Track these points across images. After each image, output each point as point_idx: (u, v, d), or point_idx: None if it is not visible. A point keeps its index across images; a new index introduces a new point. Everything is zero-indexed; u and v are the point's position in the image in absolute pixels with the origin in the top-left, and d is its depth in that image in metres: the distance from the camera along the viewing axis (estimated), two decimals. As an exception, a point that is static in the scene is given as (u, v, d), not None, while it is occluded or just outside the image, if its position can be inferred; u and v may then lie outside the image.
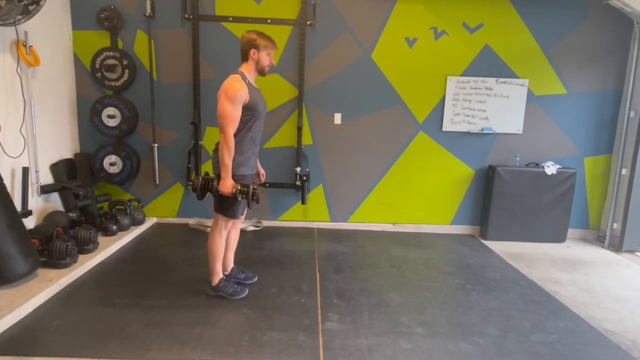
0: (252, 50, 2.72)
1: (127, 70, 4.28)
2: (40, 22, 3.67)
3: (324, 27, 4.35)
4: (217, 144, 2.72)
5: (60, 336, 2.41)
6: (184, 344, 2.37)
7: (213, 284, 2.93)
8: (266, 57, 2.75)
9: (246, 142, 2.73)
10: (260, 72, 2.79)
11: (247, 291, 3.00)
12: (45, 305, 2.74)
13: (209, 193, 2.77)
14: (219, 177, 2.70)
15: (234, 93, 2.59)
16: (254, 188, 2.67)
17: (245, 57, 2.76)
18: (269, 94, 4.36)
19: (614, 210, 4.52)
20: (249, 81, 2.71)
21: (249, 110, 2.68)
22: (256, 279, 3.21)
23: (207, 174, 2.87)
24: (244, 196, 2.66)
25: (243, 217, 3.02)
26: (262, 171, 3.10)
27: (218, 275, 2.93)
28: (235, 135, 2.66)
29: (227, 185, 2.64)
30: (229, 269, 3.11)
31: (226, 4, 4.29)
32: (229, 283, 2.97)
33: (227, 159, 2.61)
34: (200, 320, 2.63)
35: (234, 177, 2.68)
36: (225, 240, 2.94)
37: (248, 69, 2.76)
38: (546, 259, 4.09)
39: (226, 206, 2.77)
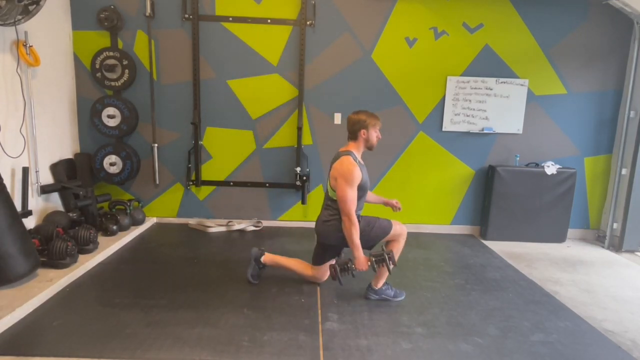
0: (362, 131, 2.84)
1: (127, 70, 4.28)
2: (40, 22, 3.67)
3: (324, 27, 4.35)
4: (325, 216, 2.92)
5: (60, 336, 2.41)
6: (184, 344, 2.37)
7: (376, 287, 3.01)
8: (374, 135, 2.88)
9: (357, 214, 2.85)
10: (370, 148, 2.93)
11: (403, 295, 3.08)
12: (45, 305, 2.74)
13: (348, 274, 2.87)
14: (338, 245, 2.91)
15: (352, 177, 2.73)
16: (387, 254, 2.77)
17: (354, 137, 2.88)
18: (269, 94, 4.40)
19: (614, 210, 4.52)
20: (360, 161, 2.85)
21: (360, 190, 2.81)
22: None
23: (336, 260, 2.99)
24: (382, 264, 2.78)
25: None
26: (393, 202, 3.25)
27: (382, 281, 3.00)
28: None
29: (362, 262, 2.77)
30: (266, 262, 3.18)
31: (226, 4, 4.29)
32: (389, 286, 3.04)
33: (356, 238, 2.75)
34: (200, 320, 2.63)
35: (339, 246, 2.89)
36: (299, 269, 3.18)
37: (357, 148, 2.89)
38: (546, 259, 4.09)
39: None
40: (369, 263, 2.77)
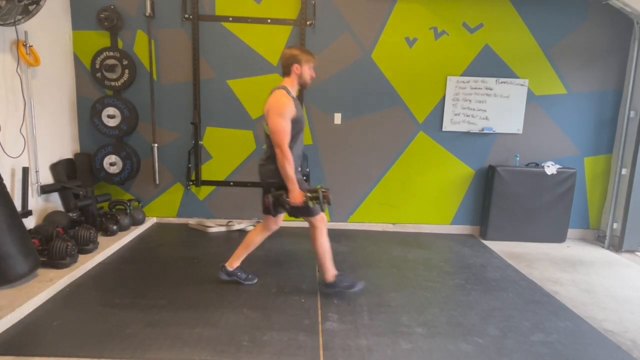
0: (295, 65, 2.79)
1: (127, 70, 4.28)
2: (40, 22, 3.67)
3: (324, 27, 4.35)
4: (265, 159, 2.84)
5: (60, 336, 2.41)
6: (184, 344, 2.37)
7: (328, 281, 2.99)
8: (308, 71, 2.84)
9: (293, 152, 2.79)
10: (303, 85, 2.89)
11: (362, 284, 3.04)
12: (45, 305, 2.74)
13: (281, 207, 2.84)
14: (278, 188, 2.78)
15: (284, 108, 2.68)
16: (322, 191, 2.73)
17: (287, 72, 2.83)
18: (269, 94, 4.39)
19: (614, 210, 4.52)
20: (293, 95, 2.79)
21: (295, 124, 2.76)
22: (255, 281, 3.21)
23: (270, 190, 2.89)
24: (315, 201, 2.73)
25: (279, 219, 3.08)
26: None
27: (331, 272, 2.98)
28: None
29: (296, 195, 2.73)
30: (235, 266, 3.12)
31: (226, 4, 4.29)
32: (344, 277, 3.03)
33: (290, 171, 2.70)
34: (200, 320, 2.63)
35: (283, 187, 2.76)
36: (252, 239, 3.06)
37: (291, 83, 2.84)
38: (546, 259, 4.09)
39: (304, 210, 2.82)
40: (304, 198, 2.72)
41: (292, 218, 4.59)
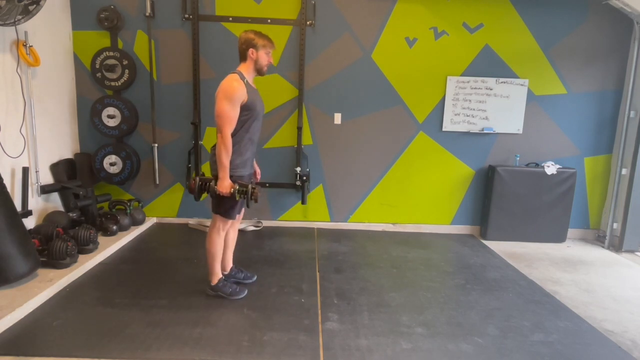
0: (251, 50, 2.70)
1: (127, 70, 4.28)
2: (40, 22, 3.67)
3: (324, 27, 4.35)
4: (215, 143, 2.72)
5: (60, 336, 2.41)
6: (184, 344, 2.37)
7: (212, 284, 2.93)
8: (265, 57, 2.74)
9: (244, 142, 2.72)
10: (259, 71, 2.78)
11: (246, 291, 3.00)
12: (45, 305, 2.74)
13: (206, 194, 2.75)
14: (216, 177, 2.70)
15: (232, 92, 2.58)
16: (252, 187, 2.66)
17: (243, 57, 2.74)
18: (269, 94, 4.39)
19: (614, 210, 4.52)
20: (247, 81, 2.70)
21: (247, 110, 2.66)
22: (255, 278, 3.21)
23: (203, 174, 2.85)
24: (242, 196, 2.66)
25: (240, 216, 3.03)
26: (258, 170, 3.09)
27: (217, 275, 2.93)
28: (234, 135, 2.65)
29: (225, 185, 2.64)
30: (228, 269, 3.11)
31: (226, 4, 4.29)
32: (227, 283, 2.97)
33: (225, 159, 2.61)
34: (200, 320, 2.63)
35: (232, 177, 2.68)
36: (224, 240, 2.95)
37: (246, 69, 2.74)
38: (546, 259, 4.09)
39: (223, 207, 2.77)
40: (232, 190, 2.63)
41: (286, 217, 4.66)
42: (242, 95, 2.61)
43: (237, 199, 2.68)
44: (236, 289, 2.96)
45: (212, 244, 2.85)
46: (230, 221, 2.87)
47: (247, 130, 2.72)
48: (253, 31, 2.74)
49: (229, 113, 2.59)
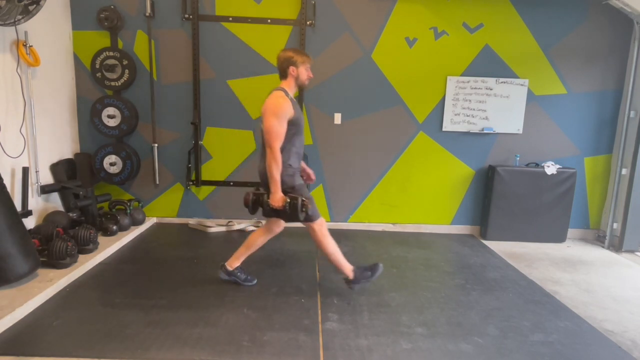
0: (291, 68, 2.80)
1: (127, 70, 4.28)
2: (40, 22, 3.67)
3: (324, 27, 4.35)
4: (261, 165, 2.82)
5: (60, 336, 2.41)
6: (184, 344, 2.37)
7: (349, 278, 2.98)
8: (304, 72, 2.85)
9: (292, 155, 2.80)
10: (301, 86, 2.90)
11: (381, 267, 3.04)
12: (45, 305, 2.74)
13: (260, 207, 2.83)
14: (268, 191, 2.76)
15: (280, 109, 2.67)
16: (302, 199, 2.72)
17: (284, 75, 2.84)
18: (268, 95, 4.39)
19: (614, 210, 4.52)
20: (291, 97, 2.79)
21: (293, 125, 2.75)
22: (255, 282, 3.21)
23: (257, 188, 2.89)
24: (294, 208, 2.72)
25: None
26: (309, 171, 3.15)
27: (347, 267, 2.97)
28: (282, 150, 2.72)
29: (277, 199, 2.72)
30: (234, 266, 3.11)
31: (226, 4, 4.29)
32: (362, 270, 3.00)
33: (276, 173, 2.69)
34: (200, 320, 2.63)
35: (289, 187, 2.76)
36: (253, 240, 3.05)
37: (288, 85, 2.84)
38: (546, 259, 4.09)
39: (287, 213, 2.79)
40: (284, 203, 2.71)
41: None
42: (289, 111, 2.70)
43: (288, 211, 2.74)
44: (372, 268, 3.02)
45: (326, 248, 2.92)
46: (321, 219, 2.91)
47: (294, 144, 2.81)
48: (291, 49, 2.87)
49: (278, 129, 2.68)
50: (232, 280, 3.11)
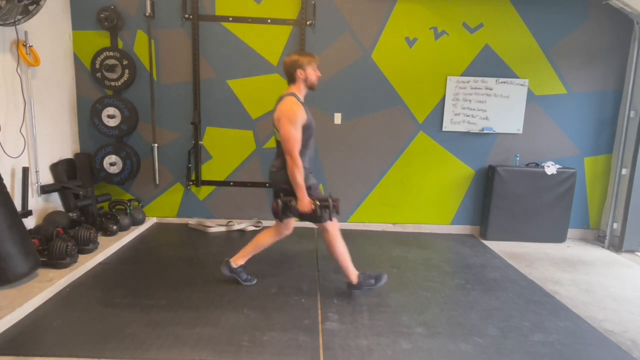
0: (299, 71, 2.79)
1: (127, 70, 4.28)
2: (40, 22, 3.67)
3: (324, 27, 4.35)
4: (277, 166, 2.84)
5: (60, 336, 2.41)
6: (184, 344, 2.37)
7: (354, 284, 3.00)
8: (312, 73, 2.83)
9: (305, 158, 2.80)
10: (311, 87, 2.88)
11: (385, 276, 3.09)
12: (45, 305, 2.74)
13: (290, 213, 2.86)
14: (287, 193, 2.79)
15: (294, 116, 2.68)
16: (332, 200, 2.74)
17: (292, 79, 2.83)
18: (270, 94, 4.39)
19: (614, 210, 4.52)
20: (302, 101, 2.79)
21: (307, 129, 2.76)
22: (255, 282, 3.21)
23: (280, 195, 2.90)
24: (325, 210, 2.75)
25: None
26: None
27: (353, 272, 2.99)
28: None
29: (305, 204, 2.75)
30: (239, 263, 3.12)
31: (226, 4, 4.29)
32: (366, 277, 3.03)
33: (300, 179, 2.70)
34: (200, 320, 2.63)
35: (293, 193, 2.77)
36: (261, 240, 3.08)
37: (298, 89, 2.84)
38: (546, 259, 4.09)
39: (315, 216, 2.82)
40: (313, 206, 2.74)
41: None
42: (303, 117, 2.71)
43: (319, 214, 2.77)
44: (376, 276, 3.06)
45: (336, 249, 2.94)
46: (334, 221, 2.91)
47: (308, 147, 2.82)
48: (295, 53, 2.87)
49: (295, 135, 2.69)
50: (232, 277, 3.11)
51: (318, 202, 2.75)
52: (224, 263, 3.12)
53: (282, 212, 2.82)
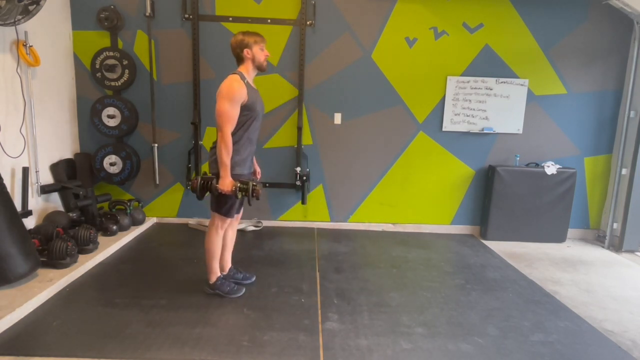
0: (245, 50, 2.74)
1: (127, 70, 4.28)
2: (40, 22, 3.67)
3: (324, 27, 4.35)
4: (215, 142, 2.75)
5: (60, 336, 2.41)
6: (184, 344, 2.37)
7: (210, 282, 2.95)
8: (260, 52, 2.77)
9: (243, 141, 2.75)
10: (259, 67, 2.82)
11: (243, 290, 3.01)
12: (45, 305, 2.74)
13: (208, 192, 2.77)
14: (217, 175, 2.72)
15: (233, 92, 2.61)
16: (253, 185, 2.68)
17: (240, 60, 2.79)
18: (269, 94, 4.39)
19: (614, 210, 4.52)
20: (247, 81, 2.73)
21: (247, 110, 2.70)
22: (254, 278, 3.21)
23: (205, 173, 2.87)
24: (244, 194, 2.68)
25: (239, 216, 3.06)
26: (258, 169, 3.10)
27: (215, 273, 2.94)
28: (233, 134, 2.68)
29: (227, 183, 2.66)
30: (227, 269, 3.11)
31: (226, 4, 4.29)
32: (226, 281, 2.99)
33: (226, 158, 2.64)
34: (200, 320, 2.63)
35: (231, 176, 2.70)
36: (223, 240, 2.96)
37: (246, 69, 2.79)
38: (546, 259, 4.09)
39: (222, 205, 2.79)
40: (233, 188, 2.65)
41: (286, 217, 4.65)
42: (242, 95, 2.64)
43: (239, 197, 2.70)
44: (234, 288, 2.98)
45: (211, 243, 2.87)
46: (228, 220, 2.88)
47: (247, 129, 2.74)
48: (241, 32, 2.80)
49: (229, 112, 2.62)
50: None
51: (239, 184, 2.67)
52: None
53: (200, 189, 2.72)
